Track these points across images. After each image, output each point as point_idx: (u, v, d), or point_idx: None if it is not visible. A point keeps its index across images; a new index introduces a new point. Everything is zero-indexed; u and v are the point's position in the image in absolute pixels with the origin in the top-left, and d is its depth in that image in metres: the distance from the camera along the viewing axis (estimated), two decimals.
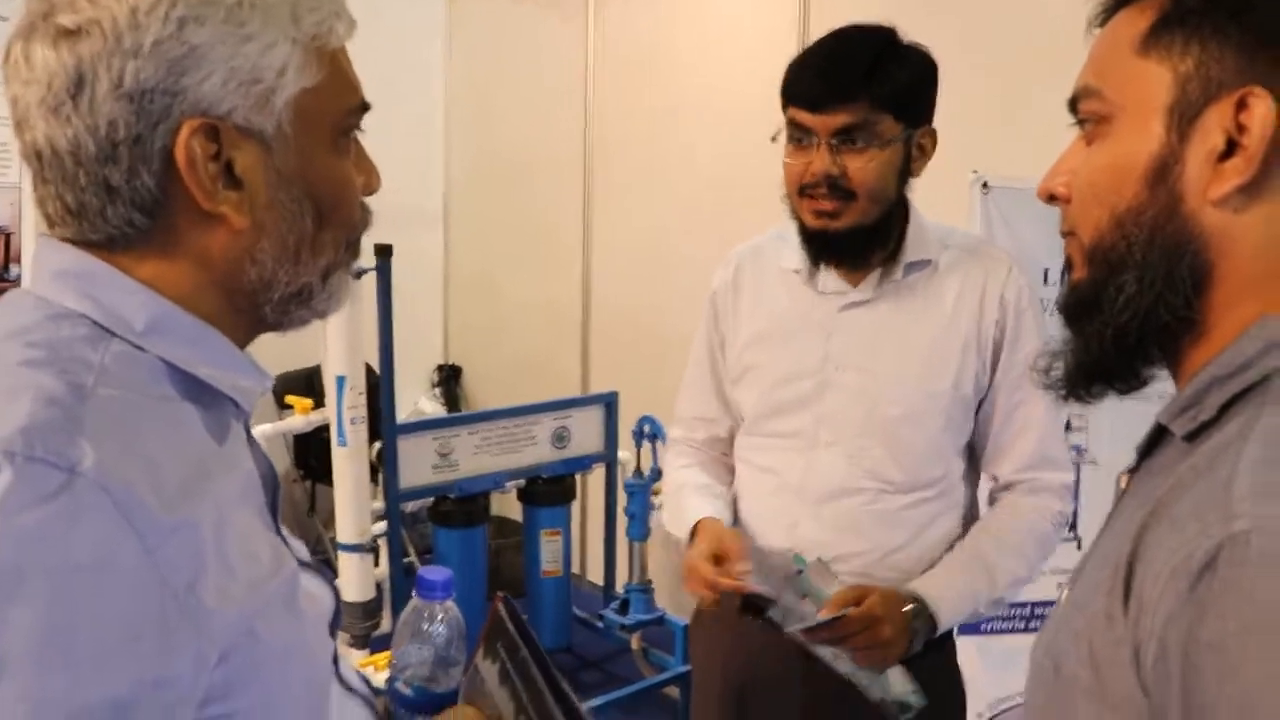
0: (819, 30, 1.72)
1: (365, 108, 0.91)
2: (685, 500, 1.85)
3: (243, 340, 0.90)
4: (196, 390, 0.83)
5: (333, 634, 0.96)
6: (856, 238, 1.67)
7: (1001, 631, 2.67)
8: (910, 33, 1.69)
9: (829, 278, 1.76)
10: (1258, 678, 0.64)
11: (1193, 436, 0.80)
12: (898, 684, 1.66)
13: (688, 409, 1.99)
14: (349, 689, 0.97)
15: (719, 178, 4.03)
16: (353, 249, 0.93)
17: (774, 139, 1.71)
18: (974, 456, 1.81)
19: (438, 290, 5.59)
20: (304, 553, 0.95)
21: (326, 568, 1.00)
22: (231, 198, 0.82)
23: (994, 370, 1.73)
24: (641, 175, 4.42)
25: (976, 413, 1.76)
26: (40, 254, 0.84)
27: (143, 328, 0.81)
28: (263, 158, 0.83)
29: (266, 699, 0.80)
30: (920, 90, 1.68)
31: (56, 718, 0.66)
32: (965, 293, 1.73)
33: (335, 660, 0.96)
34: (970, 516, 1.82)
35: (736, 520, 1.86)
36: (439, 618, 1.07)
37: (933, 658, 1.79)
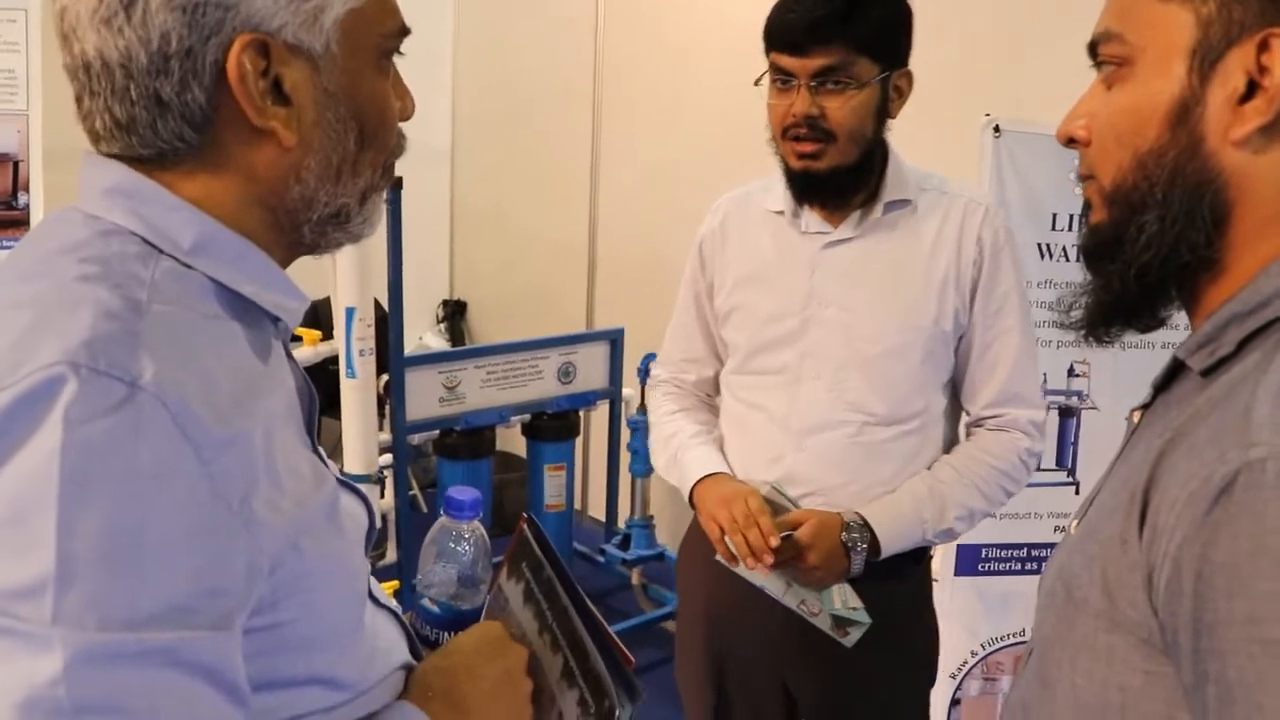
0: None
1: (406, 31, 0.92)
2: (684, 452, 1.91)
3: (282, 261, 0.91)
4: (241, 308, 0.85)
5: (367, 551, 0.99)
6: (838, 178, 1.74)
7: (998, 573, 2.71)
8: None
9: (811, 218, 1.82)
10: (1266, 594, 0.67)
11: (1210, 371, 0.82)
12: (840, 600, 1.75)
13: (675, 351, 2.04)
14: (379, 604, 1.00)
15: (728, 113, 4.00)
16: (388, 173, 0.94)
17: (757, 83, 1.78)
18: (956, 394, 1.87)
19: (444, 226, 5.59)
20: (336, 471, 0.98)
21: None
22: (280, 114, 0.83)
23: (972, 308, 1.79)
24: (651, 110, 4.40)
25: (957, 350, 1.82)
26: (88, 171, 0.85)
27: (189, 246, 0.82)
28: (311, 75, 0.84)
29: (310, 611, 0.83)
30: (896, 32, 1.73)
31: (121, 623, 0.68)
32: (944, 232, 1.79)
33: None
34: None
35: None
36: (465, 537, 1.09)
37: (907, 590, 1.89)
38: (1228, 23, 0.81)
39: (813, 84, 1.68)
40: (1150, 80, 0.84)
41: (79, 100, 0.85)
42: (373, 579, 1.02)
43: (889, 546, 1.75)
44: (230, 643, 0.74)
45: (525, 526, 1.09)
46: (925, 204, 1.80)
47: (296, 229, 0.89)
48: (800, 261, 1.82)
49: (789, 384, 1.82)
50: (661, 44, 4.32)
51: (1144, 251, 0.85)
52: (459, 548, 1.10)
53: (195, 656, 0.71)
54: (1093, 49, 0.90)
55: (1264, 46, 0.79)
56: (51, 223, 0.85)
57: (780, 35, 1.70)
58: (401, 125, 0.95)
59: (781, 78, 1.71)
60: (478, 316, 5.60)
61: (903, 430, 1.80)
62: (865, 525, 1.74)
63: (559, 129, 4.84)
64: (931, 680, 1.99)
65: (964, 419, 1.90)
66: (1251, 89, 0.80)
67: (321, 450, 0.96)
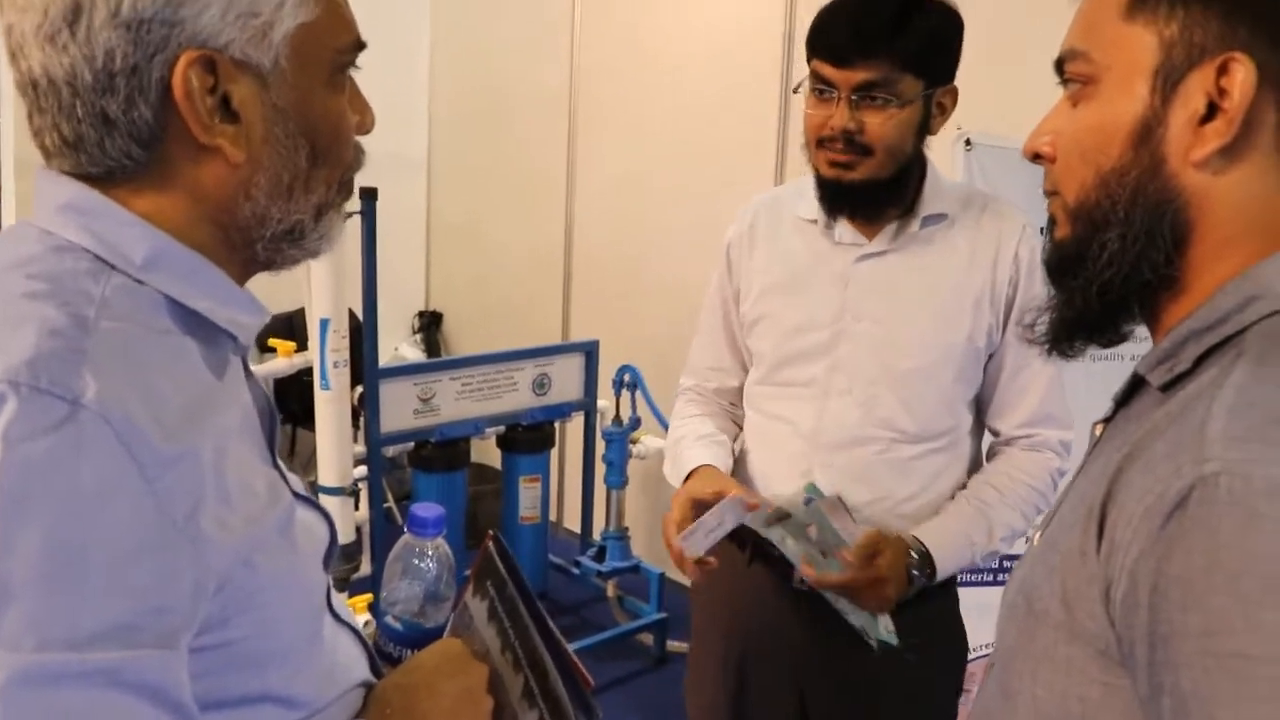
0: None
1: (361, 45, 0.91)
2: (684, 451, 1.87)
3: (238, 278, 0.90)
4: (194, 324, 0.84)
5: (327, 566, 0.98)
6: (870, 190, 1.69)
7: (971, 584, 2.71)
8: None
9: (845, 228, 1.77)
10: (1219, 608, 0.68)
11: (1168, 387, 0.83)
12: (883, 624, 1.71)
13: (700, 358, 2.00)
14: (340, 621, 0.99)
15: (704, 125, 4.01)
16: (345, 188, 0.93)
17: (796, 90, 1.73)
18: (980, 410, 1.84)
19: (420, 236, 5.57)
20: (300, 486, 0.97)
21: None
22: (228, 131, 0.83)
23: (1005, 325, 1.76)
24: (626, 121, 4.40)
25: (986, 366, 1.79)
26: (42, 187, 0.84)
27: (142, 261, 0.82)
28: (259, 92, 0.84)
29: (261, 628, 0.82)
30: (944, 49, 1.68)
31: (61, 643, 0.67)
32: (980, 248, 1.75)
33: (328, 592, 0.98)
34: (976, 469, 1.85)
35: (743, 469, 1.89)
36: (429, 554, 1.09)
37: (938, 605, 1.85)
38: (1189, 45, 0.82)
39: (854, 97, 1.62)
40: (1114, 99, 0.85)
41: (30, 117, 0.84)
42: (338, 596, 1.01)
43: (943, 572, 1.73)
44: (176, 661, 0.73)
45: (490, 544, 1.09)
46: (962, 218, 1.76)
47: (249, 246, 0.89)
48: (833, 273, 1.77)
49: (816, 397, 1.78)
50: (638, 52, 4.32)
51: (1106, 269, 0.86)
52: (423, 564, 1.09)
53: (139, 676, 0.70)
54: (1059, 66, 0.91)
55: (1223, 70, 0.80)
56: (5, 238, 0.85)
57: (824, 43, 1.64)
58: (365, 138, 0.95)
59: (821, 87, 1.65)
60: (454, 328, 5.59)
61: (930, 448, 1.77)
62: (927, 554, 1.70)
63: (535, 137, 4.84)
64: (959, 691, 1.95)
65: (989, 437, 1.87)
66: (1212, 111, 0.81)
67: (283, 465, 0.95)
